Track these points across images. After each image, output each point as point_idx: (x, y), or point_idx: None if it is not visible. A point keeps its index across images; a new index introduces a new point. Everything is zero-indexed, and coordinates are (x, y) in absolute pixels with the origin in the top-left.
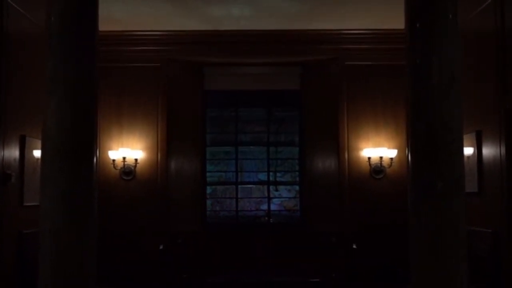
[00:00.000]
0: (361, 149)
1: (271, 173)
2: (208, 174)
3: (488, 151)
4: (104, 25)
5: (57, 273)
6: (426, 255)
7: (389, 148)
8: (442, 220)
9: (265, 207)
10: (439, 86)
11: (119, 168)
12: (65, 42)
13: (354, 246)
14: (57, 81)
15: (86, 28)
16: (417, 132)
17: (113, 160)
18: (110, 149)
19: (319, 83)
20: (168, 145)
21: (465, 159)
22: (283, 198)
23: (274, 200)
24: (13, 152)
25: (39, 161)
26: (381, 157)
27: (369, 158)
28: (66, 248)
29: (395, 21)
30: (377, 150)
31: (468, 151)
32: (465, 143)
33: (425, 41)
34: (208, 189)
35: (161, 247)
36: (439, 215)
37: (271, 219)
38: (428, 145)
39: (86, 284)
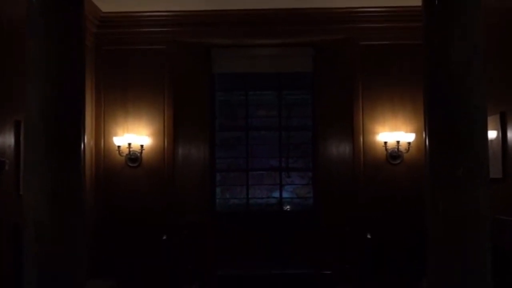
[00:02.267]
0: (377, 133)
1: (283, 159)
2: (217, 160)
3: None
4: (106, 5)
5: (42, 267)
6: (445, 247)
7: (406, 132)
8: (464, 210)
9: (277, 194)
10: (459, 60)
11: (124, 154)
12: (47, 19)
13: (369, 236)
14: (39, 61)
15: (70, 4)
16: (435, 112)
17: (118, 147)
18: (115, 135)
19: (332, 64)
20: (175, 131)
21: (488, 143)
22: (296, 185)
23: (286, 187)
24: (8, 139)
25: None
26: (398, 142)
27: (385, 142)
28: (51, 241)
29: None
30: (394, 134)
31: (492, 134)
32: (488, 125)
33: (443, 12)
34: (217, 176)
35: (164, 237)
36: (460, 205)
37: (287, 207)
38: (447, 127)
39: (74, 277)
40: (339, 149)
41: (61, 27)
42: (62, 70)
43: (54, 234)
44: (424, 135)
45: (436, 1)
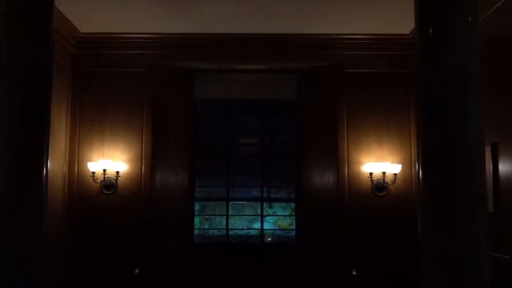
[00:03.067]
0: (362, 163)
1: (264, 189)
2: (196, 189)
3: (505, 166)
4: (85, 26)
5: None
6: (442, 282)
7: (392, 162)
8: (462, 244)
9: (258, 225)
10: (455, 87)
11: (99, 181)
12: (10, 25)
13: (354, 273)
14: None
15: (37, 11)
16: (430, 140)
17: (93, 173)
18: (90, 160)
19: (317, 91)
20: (153, 157)
21: None
22: (278, 216)
23: (267, 218)
24: None
25: None
26: (383, 173)
27: (370, 173)
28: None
29: (399, 25)
30: (380, 165)
31: None
32: None
33: (439, 41)
34: (196, 206)
35: (136, 270)
36: (458, 237)
37: (269, 239)
38: (444, 155)
39: None
40: (323, 179)
41: (24, 38)
42: (25, 83)
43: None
44: (416, 165)
45: (431, 30)
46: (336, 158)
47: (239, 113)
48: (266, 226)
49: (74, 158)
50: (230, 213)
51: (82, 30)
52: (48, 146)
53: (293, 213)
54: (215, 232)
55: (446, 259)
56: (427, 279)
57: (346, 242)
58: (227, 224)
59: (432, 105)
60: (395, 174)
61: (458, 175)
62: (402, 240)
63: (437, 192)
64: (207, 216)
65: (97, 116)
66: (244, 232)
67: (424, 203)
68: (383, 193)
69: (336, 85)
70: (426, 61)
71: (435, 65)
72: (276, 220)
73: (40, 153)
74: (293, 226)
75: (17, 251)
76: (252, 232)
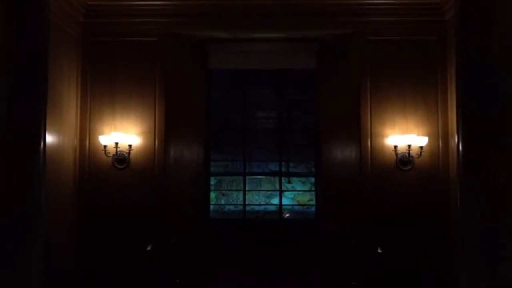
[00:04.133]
0: (386, 136)
1: (283, 163)
2: (212, 163)
3: None
4: None
5: None
6: (482, 268)
7: (418, 135)
8: (505, 223)
9: (276, 201)
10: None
11: (111, 155)
12: None
13: (379, 251)
14: None
15: None
16: (471, 112)
17: (105, 146)
18: (102, 133)
19: (337, 61)
20: (166, 130)
21: None
22: (297, 192)
23: (286, 193)
24: None
25: None
26: (409, 146)
27: (395, 146)
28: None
29: None
30: (405, 137)
31: None
32: None
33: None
34: (212, 180)
35: (149, 247)
36: (498, 216)
37: (287, 214)
38: (488, 129)
39: None
40: (344, 153)
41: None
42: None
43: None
44: (456, 138)
45: None
46: (358, 131)
47: (255, 84)
48: (285, 201)
49: (85, 132)
50: (247, 188)
51: None
52: (45, 119)
53: (313, 188)
54: (231, 207)
55: (486, 239)
56: (464, 258)
57: (368, 218)
58: (244, 199)
59: (476, 75)
60: (421, 147)
61: (502, 151)
62: (427, 217)
63: (479, 169)
64: (223, 191)
65: (108, 87)
66: (262, 207)
67: (464, 180)
68: (408, 167)
69: (358, 54)
70: (468, 25)
71: (479, 29)
72: (295, 195)
73: (35, 127)
74: (313, 202)
75: (11, 235)
76: (270, 207)
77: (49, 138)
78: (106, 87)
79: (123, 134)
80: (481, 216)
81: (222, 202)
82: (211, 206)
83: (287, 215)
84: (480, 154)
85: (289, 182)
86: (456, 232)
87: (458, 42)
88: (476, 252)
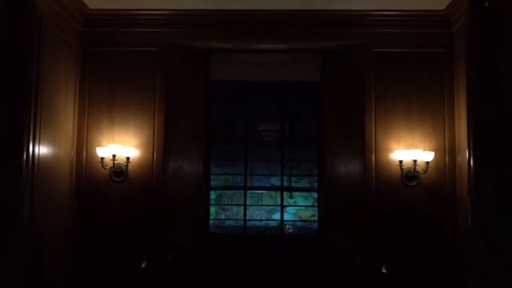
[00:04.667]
0: (391, 150)
1: (285, 178)
2: (212, 177)
3: None
4: (94, 2)
5: None
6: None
7: (424, 150)
8: None
9: (277, 216)
10: None
11: (108, 167)
12: None
13: (384, 270)
14: None
15: None
16: (484, 124)
17: (102, 158)
18: (99, 145)
19: (342, 73)
20: (166, 142)
21: None
22: (299, 207)
23: (288, 208)
24: None
25: None
26: (414, 161)
27: (400, 161)
28: None
29: (433, 0)
30: (410, 152)
31: None
32: None
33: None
34: (212, 194)
35: (143, 264)
36: None
37: (289, 230)
38: (500, 141)
39: None
40: (348, 167)
41: None
42: None
43: None
44: (468, 151)
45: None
46: (362, 145)
47: (257, 96)
48: (286, 217)
49: (82, 143)
50: (248, 202)
51: (91, 7)
52: (29, 128)
53: (316, 204)
54: (231, 222)
55: (500, 258)
56: (476, 276)
57: (373, 235)
58: (245, 214)
59: (488, 86)
60: (427, 163)
61: None
62: (434, 234)
63: (491, 184)
64: (223, 206)
65: (107, 98)
66: (263, 223)
67: (476, 194)
68: (414, 183)
69: (363, 66)
70: (480, 36)
71: (491, 39)
72: (297, 210)
73: (17, 136)
74: (315, 218)
75: None
76: (272, 223)
77: (44, 149)
78: (104, 97)
79: (121, 146)
80: (494, 234)
81: (222, 217)
82: (211, 221)
83: (290, 230)
84: (493, 168)
85: (291, 197)
86: (465, 250)
87: (469, 53)
88: (490, 271)
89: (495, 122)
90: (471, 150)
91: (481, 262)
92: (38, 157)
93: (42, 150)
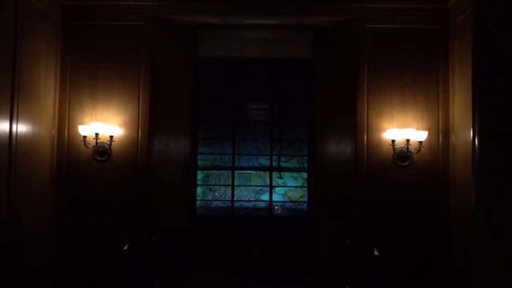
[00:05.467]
0: (384, 130)
1: (274, 157)
2: (199, 156)
3: None
4: None
5: None
6: (499, 273)
7: (417, 129)
8: None
9: (266, 197)
10: None
11: (91, 146)
12: None
13: (376, 253)
14: None
15: None
16: (489, 101)
17: (84, 137)
18: (81, 123)
19: (334, 50)
20: (151, 121)
21: None
22: (288, 188)
23: (277, 189)
24: None
25: None
26: (407, 140)
27: (393, 141)
28: None
29: None
30: (403, 131)
31: None
32: None
33: None
34: (199, 175)
35: (125, 247)
36: None
37: (278, 211)
38: (507, 120)
39: None
40: (339, 147)
41: None
42: None
43: None
44: (472, 132)
45: None
46: (354, 124)
47: (247, 74)
48: (275, 197)
49: (64, 121)
50: (236, 183)
51: None
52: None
53: (305, 184)
54: (219, 203)
55: (503, 243)
56: (479, 261)
57: (364, 216)
58: (233, 195)
59: (496, 63)
60: (420, 142)
61: None
62: (426, 215)
63: (499, 167)
64: (210, 186)
65: (89, 74)
66: (251, 204)
67: (480, 178)
68: (406, 163)
69: (356, 42)
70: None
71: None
72: (286, 191)
73: None
74: (305, 198)
75: None
76: (260, 204)
77: (23, 127)
78: (87, 73)
79: (104, 124)
80: (497, 215)
81: (209, 197)
82: (198, 202)
83: (278, 211)
84: (499, 149)
85: (280, 177)
86: (458, 232)
87: (477, 29)
88: (492, 257)
89: (502, 98)
90: (476, 130)
91: (483, 244)
92: (16, 135)
93: (20, 128)
